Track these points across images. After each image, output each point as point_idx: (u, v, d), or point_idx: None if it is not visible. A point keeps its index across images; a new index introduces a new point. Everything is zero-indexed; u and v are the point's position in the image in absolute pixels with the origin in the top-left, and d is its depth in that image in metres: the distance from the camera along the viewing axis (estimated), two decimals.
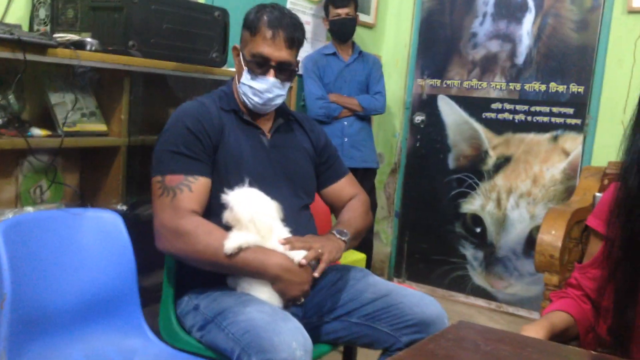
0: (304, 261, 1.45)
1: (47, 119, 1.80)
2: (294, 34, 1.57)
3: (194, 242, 1.43)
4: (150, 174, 1.54)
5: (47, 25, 1.90)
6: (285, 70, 1.60)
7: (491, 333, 1.02)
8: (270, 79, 1.58)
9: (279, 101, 1.64)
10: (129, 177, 1.91)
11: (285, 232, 1.51)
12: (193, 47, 2.03)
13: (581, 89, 3.17)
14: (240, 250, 1.42)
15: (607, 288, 1.28)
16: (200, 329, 1.49)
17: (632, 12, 2.95)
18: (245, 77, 1.59)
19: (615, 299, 1.25)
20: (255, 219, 1.44)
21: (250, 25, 1.58)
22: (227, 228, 1.46)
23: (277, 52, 1.56)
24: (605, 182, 2.71)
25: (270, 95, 1.60)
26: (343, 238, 1.58)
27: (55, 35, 1.73)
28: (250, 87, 1.59)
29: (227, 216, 1.46)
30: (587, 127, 3.16)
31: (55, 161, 1.86)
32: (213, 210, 1.53)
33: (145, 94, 1.92)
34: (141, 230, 1.60)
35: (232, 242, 1.41)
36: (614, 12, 3.03)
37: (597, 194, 2.58)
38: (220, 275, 1.52)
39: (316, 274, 1.46)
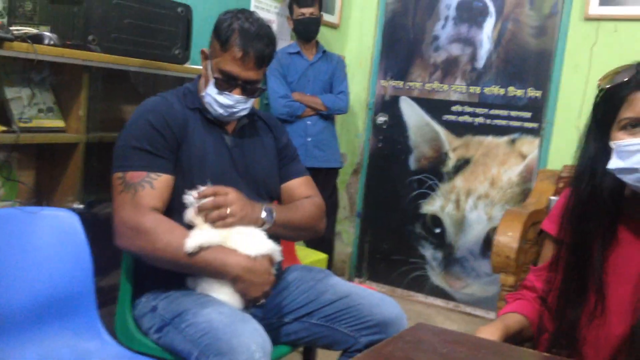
0: (195, 194, 1.45)
1: (2, 114, 1.75)
2: (265, 52, 1.55)
3: (154, 240, 1.41)
4: (108, 172, 1.51)
5: (3, 17, 1.84)
6: (251, 89, 1.58)
7: (448, 335, 1.04)
8: (236, 96, 1.56)
9: (243, 113, 1.63)
10: (87, 175, 1.86)
11: (248, 233, 1.50)
12: (155, 43, 2.00)
13: (538, 94, 3.25)
14: (201, 249, 1.40)
15: (558, 290, 1.32)
16: (157, 331, 1.47)
17: (589, 19, 3.04)
18: (211, 89, 1.56)
19: (563, 301, 1.29)
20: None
21: (221, 38, 1.53)
22: (189, 227, 1.45)
23: (245, 72, 1.54)
24: (561, 185, 2.79)
25: (235, 110, 1.59)
26: (266, 217, 1.52)
27: (12, 28, 1.68)
28: (216, 100, 1.57)
29: (188, 215, 1.45)
30: (544, 131, 3.24)
31: (10, 158, 1.81)
32: (175, 208, 1.51)
33: (104, 90, 1.88)
34: (99, 229, 1.57)
35: (193, 240, 1.40)
36: (572, 19, 3.11)
37: (552, 198, 2.66)
38: (179, 275, 1.51)
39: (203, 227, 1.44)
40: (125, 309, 1.56)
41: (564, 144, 3.14)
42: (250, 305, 1.49)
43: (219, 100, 1.56)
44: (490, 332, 1.23)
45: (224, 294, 1.46)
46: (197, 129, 1.58)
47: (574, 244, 1.27)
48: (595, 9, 3.00)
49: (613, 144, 1.17)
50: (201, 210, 1.45)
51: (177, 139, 1.53)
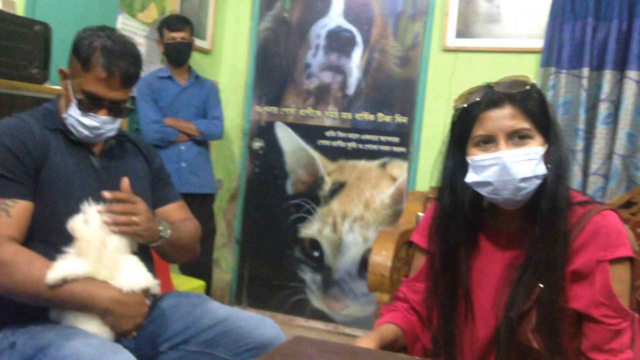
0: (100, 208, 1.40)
1: None
2: (131, 71, 1.47)
3: (11, 272, 1.30)
4: None
5: None
6: (118, 109, 1.51)
7: (325, 345, 1.04)
8: (102, 117, 1.48)
9: (111, 134, 1.54)
10: None
11: (125, 263, 1.41)
12: (10, 62, 1.86)
13: (405, 120, 3.43)
14: (65, 281, 1.31)
15: (429, 299, 1.38)
16: None
17: (447, 50, 3.27)
18: (74, 111, 1.47)
19: (437, 309, 1.35)
20: (104, 249, 1.36)
21: (82, 57, 1.44)
22: (53, 258, 1.34)
23: (111, 92, 1.46)
24: (428, 205, 2.95)
25: (102, 131, 1.50)
26: (162, 232, 1.50)
27: None
28: (79, 122, 1.47)
29: (76, 223, 1.37)
30: (411, 155, 3.42)
31: None
32: (36, 236, 1.40)
33: None
34: None
35: (56, 272, 1.30)
36: (432, 50, 3.33)
37: (420, 214, 2.79)
38: (40, 307, 1.39)
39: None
40: None
41: (429, 166, 3.27)
42: (122, 338, 1.40)
43: (84, 122, 1.47)
44: (367, 342, 1.25)
45: (92, 326, 1.37)
46: (60, 151, 1.48)
47: (441, 253, 1.34)
48: (452, 41, 3.25)
49: (469, 159, 1.25)
50: (109, 211, 1.38)
51: (36, 163, 1.42)
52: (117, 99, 1.49)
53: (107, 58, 1.43)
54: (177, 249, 1.61)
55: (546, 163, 1.21)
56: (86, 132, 1.49)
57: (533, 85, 1.22)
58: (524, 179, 1.19)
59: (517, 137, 1.20)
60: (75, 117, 1.47)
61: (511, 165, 1.18)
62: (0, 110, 1.95)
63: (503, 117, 1.20)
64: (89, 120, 1.47)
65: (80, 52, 1.44)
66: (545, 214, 1.20)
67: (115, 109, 1.50)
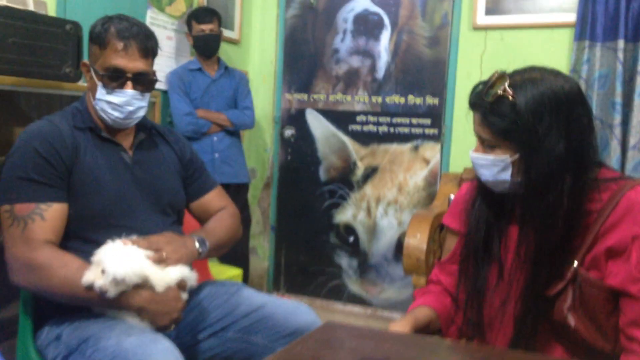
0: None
1: None
2: (147, 43, 1.51)
3: (48, 275, 1.34)
4: None
5: None
6: (142, 81, 1.53)
7: (357, 331, 1.05)
8: (129, 91, 1.50)
9: (141, 113, 1.56)
10: None
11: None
12: (43, 61, 1.91)
13: (436, 101, 3.39)
14: None
15: (461, 280, 1.38)
16: None
17: (477, 28, 3.22)
18: (101, 93, 1.50)
19: (469, 289, 1.34)
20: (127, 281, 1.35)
21: (98, 39, 1.49)
22: (90, 253, 1.37)
23: (132, 63, 1.49)
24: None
25: (131, 108, 1.52)
26: (200, 248, 1.53)
27: None
28: (108, 102, 1.50)
29: (89, 276, 1.33)
30: (444, 137, 3.38)
31: None
32: (73, 234, 1.44)
33: None
34: None
35: (91, 274, 1.33)
36: (461, 29, 3.28)
37: (451, 196, 2.77)
38: None
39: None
40: (27, 340, 1.47)
41: (462, 147, 3.29)
42: (160, 331, 1.43)
43: (112, 101, 1.49)
44: (401, 326, 1.26)
45: (133, 317, 1.40)
46: (89, 150, 1.50)
47: (475, 232, 1.33)
48: (482, 19, 3.19)
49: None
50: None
51: (67, 165, 1.44)
52: (139, 70, 1.51)
53: (121, 31, 1.48)
54: (219, 249, 1.66)
55: (521, 169, 1.20)
56: (116, 114, 1.51)
57: (502, 96, 1.17)
58: (488, 182, 1.25)
59: (486, 143, 1.23)
60: (103, 98, 1.50)
61: (477, 167, 1.26)
62: (38, 109, 2.01)
63: (476, 122, 1.24)
64: (116, 98, 1.49)
65: (95, 36, 1.50)
66: (524, 218, 1.24)
67: (139, 82, 1.52)
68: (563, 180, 1.16)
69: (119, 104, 1.50)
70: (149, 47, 1.52)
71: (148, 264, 1.38)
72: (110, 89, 1.49)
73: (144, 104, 1.55)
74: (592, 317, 1.19)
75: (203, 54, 3.08)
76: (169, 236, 1.48)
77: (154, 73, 1.57)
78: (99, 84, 1.50)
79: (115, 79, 1.49)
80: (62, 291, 1.35)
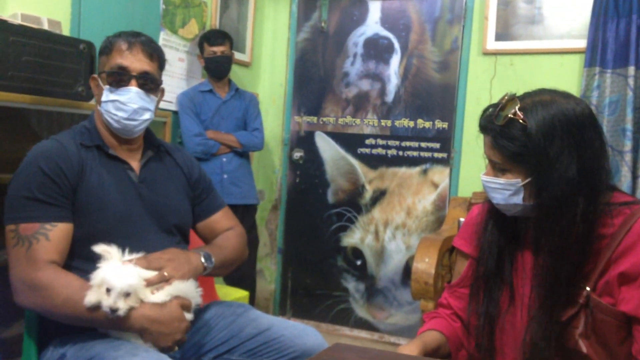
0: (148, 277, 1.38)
1: None
2: (152, 46, 1.54)
3: (51, 296, 1.32)
4: (3, 218, 1.40)
5: None
6: (147, 82, 1.53)
7: (366, 352, 1.03)
8: (132, 88, 1.50)
9: (146, 116, 1.54)
10: None
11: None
12: (56, 80, 1.93)
13: (445, 125, 3.39)
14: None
15: (471, 305, 1.36)
16: None
17: (487, 54, 3.23)
18: (106, 95, 1.51)
19: (481, 314, 1.32)
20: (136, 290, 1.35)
21: (105, 49, 1.53)
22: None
23: (137, 62, 1.51)
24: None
25: (135, 107, 1.50)
26: (206, 262, 1.52)
27: None
28: (112, 100, 1.49)
29: (91, 298, 1.32)
30: (453, 161, 3.38)
31: None
32: (78, 252, 1.43)
33: (1, 129, 1.79)
34: None
35: (93, 295, 1.32)
36: (471, 54, 3.29)
37: (461, 219, 2.75)
38: None
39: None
40: None
41: (472, 172, 3.28)
42: (163, 352, 1.40)
43: (116, 99, 1.49)
44: (410, 350, 1.24)
45: (137, 337, 1.38)
46: (95, 169, 1.49)
47: (487, 255, 1.31)
48: (492, 44, 3.20)
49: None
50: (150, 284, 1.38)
51: (72, 184, 1.44)
52: (143, 69, 1.52)
53: (125, 35, 1.53)
54: (225, 268, 1.65)
55: (533, 193, 1.19)
56: (120, 113, 1.50)
57: (512, 119, 1.16)
58: (500, 205, 1.24)
59: (497, 166, 1.22)
60: (107, 99, 1.50)
61: (489, 190, 1.24)
62: (49, 128, 2.03)
63: (486, 145, 1.23)
64: (120, 95, 1.49)
65: (102, 48, 1.55)
66: (537, 242, 1.22)
67: (144, 82, 1.52)
68: (576, 204, 1.15)
69: (123, 101, 1.50)
70: (154, 51, 1.54)
71: (141, 285, 1.36)
72: (114, 87, 1.51)
73: (149, 106, 1.55)
74: (604, 344, 1.17)
75: (214, 75, 3.11)
76: (172, 252, 1.47)
77: (160, 78, 1.59)
78: (105, 88, 1.51)
79: (120, 77, 1.51)
80: (65, 312, 1.34)
